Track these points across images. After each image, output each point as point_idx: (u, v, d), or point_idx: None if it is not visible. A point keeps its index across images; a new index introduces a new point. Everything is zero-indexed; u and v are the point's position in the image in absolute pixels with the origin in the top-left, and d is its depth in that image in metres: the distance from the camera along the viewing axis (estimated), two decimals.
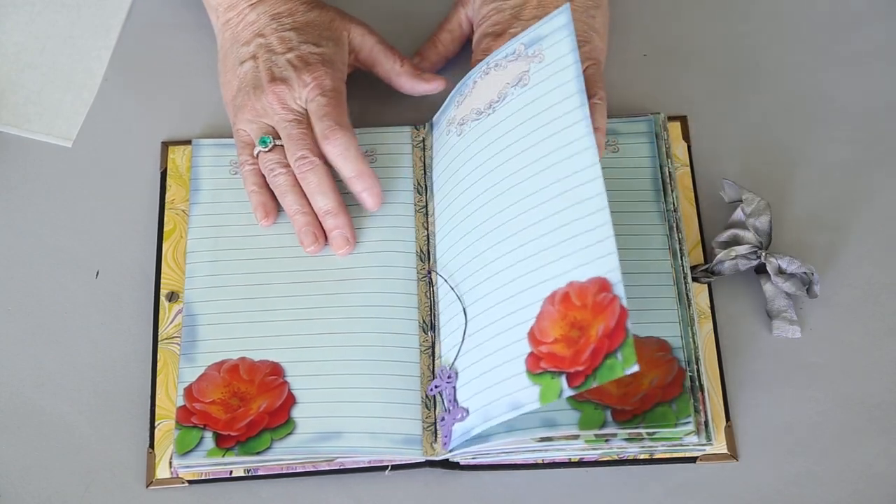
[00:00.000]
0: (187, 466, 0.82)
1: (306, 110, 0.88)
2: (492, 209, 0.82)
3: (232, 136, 0.92)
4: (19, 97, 0.97)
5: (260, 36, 0.91)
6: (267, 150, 0.88)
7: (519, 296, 0.78)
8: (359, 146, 0.87)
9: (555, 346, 0.75)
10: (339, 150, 0.87)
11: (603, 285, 0.73)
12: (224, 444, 0.81)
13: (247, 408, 0.83)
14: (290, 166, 0.88)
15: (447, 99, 0.91)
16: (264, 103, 0.88)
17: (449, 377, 0.82)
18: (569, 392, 0.73)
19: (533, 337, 0.76)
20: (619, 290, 0.72)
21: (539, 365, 0.75)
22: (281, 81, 0.88)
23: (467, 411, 0.80)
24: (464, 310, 0.83)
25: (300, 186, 0.88)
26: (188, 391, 0.84)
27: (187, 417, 0.83)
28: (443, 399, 0.82)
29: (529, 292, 0.77)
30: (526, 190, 0.80)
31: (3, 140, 0.96)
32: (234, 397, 0.83)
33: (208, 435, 0.82)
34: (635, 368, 0.70)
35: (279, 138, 0.88)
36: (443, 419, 0.82)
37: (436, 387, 0.83)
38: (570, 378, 0.73)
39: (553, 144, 0.79)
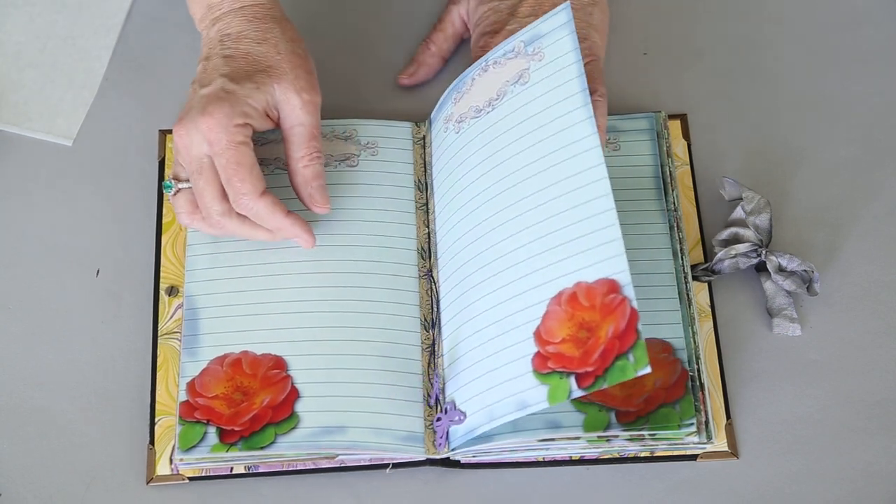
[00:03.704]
0: (190, 462, 0.82)
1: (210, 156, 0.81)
2: (492, 208, 0.82)
3: None
4: (20, 96, 0.97)
5: (205, 59, 0.84)
6: (172, 194, 0.84)
7: (523, 295, 0.78)
8: (269, 203, 0.82)
9: (562, 347, 0.75)
10: (254, 217, 0.83)
11: (612, 286, 0.73)
12: (228, 439, 0.81)
13: (250, 402, 0.83)
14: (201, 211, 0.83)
15: (443, 95, 0.91)
16: (176, 141, 0.82)
17: (457, 418, 0.82)
18: (578, 392, 0.73)
19: (539, 337, 0.76)
20: (629, 291, 0.72)
21: (546, 365, 0.75)
22: (185, 123, 0.81)
23: (465, 414, 0.80)
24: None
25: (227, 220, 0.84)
26: (191, 386, 0.83)
27: (190, 412, 0.82)
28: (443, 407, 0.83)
29: (535, 292, 0.77)
30: (528, 189, 0.80)
31: (4, 138, 0.96)
32: (238, 392, 0.83)
33: (212, 430, 0.81)
34: (647, 370, 0.71)
35: (186, 181, 0.83)
36: (438, 419, 0.82)
37: (437, 419, 0.83)
38: (580, 378, 0.74)
39: (556, 143, 0.79)
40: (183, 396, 0.83)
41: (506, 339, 0.78)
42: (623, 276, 0.73)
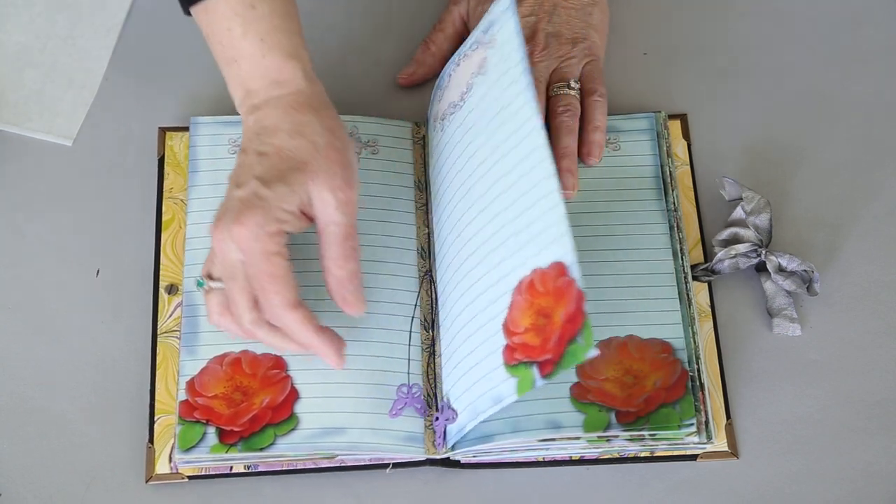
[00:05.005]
0: (189, 462, 0.82)
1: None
2: (466, 203, 0.82)
3: (230, 114, 0.90)
4: (20, 96, 0.97)
5: (242, 152, 0.80)
6: (205, 292, 0.80)
7: (492, 288, 0.77)
8: (300, 317, 0.78)
9: (526, 336, 0.74)
10: (284, 329, 0.79)
11: (560, 269, 0.71)
12: (227, 439, 0.81)
13: (249, 402, 0.82)
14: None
15: (431, 95, 0.91)
16: (213, 243, 0.78)
17: (450, 416, 0.81)
18: (541, 382, 0.71)
19: (507, 328, 0.75)
20: (575, 272, 0.70)
21: (514, 356, 0.74)
22: (221, 228, 0.77)
23: (456, 413, 0.80)
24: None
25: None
26: (190, 385, 0.83)
27: (190, 412, 0.82)
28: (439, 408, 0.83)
29: (500, 284, 0.76)
30: (490, 180, 0.79)
31: (4, 138, 0.96)
32: (237, 391, 0.83)
33: (211, 430, 0.81)
34: (595, 353, 0.68)
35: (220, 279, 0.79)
36: (436, 419, 0.82)
37: (436, 419, 0.83)
38: (541, 367, 0.72)
39: (508, 130, 0.77)
40: (182, 395, 0.83)
41: (482, 335, 0.78)
42: (568, 256, 0.70)
